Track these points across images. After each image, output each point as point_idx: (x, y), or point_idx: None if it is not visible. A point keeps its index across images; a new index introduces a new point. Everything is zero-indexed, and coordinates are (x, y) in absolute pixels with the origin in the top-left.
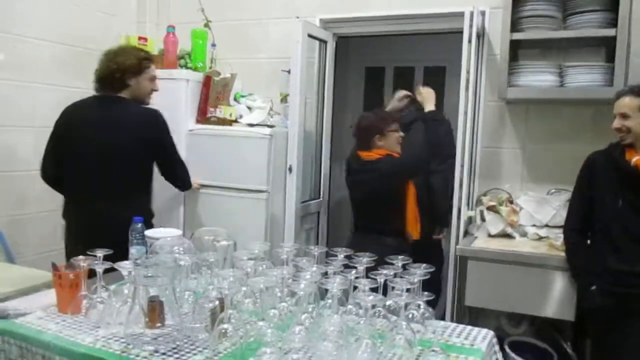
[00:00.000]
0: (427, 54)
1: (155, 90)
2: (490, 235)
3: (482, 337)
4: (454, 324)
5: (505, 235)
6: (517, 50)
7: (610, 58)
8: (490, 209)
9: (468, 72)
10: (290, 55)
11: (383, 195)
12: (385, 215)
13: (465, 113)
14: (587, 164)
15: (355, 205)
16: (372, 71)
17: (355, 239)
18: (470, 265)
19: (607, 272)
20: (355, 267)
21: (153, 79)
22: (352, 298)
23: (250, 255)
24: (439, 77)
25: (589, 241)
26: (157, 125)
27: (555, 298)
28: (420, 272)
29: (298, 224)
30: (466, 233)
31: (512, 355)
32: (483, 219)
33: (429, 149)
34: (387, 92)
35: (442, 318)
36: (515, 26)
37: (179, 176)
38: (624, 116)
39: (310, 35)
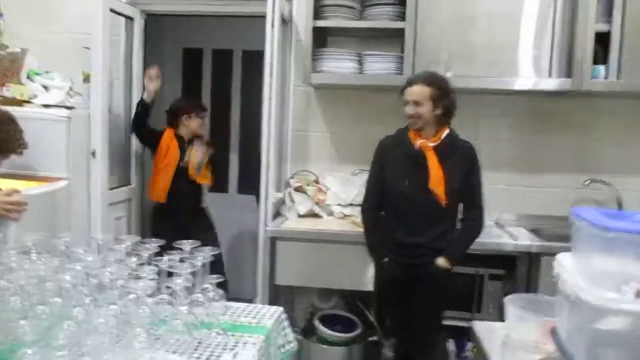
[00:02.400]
0: (246, 37)
1: None
2: (300, 216)
3: (270, 315)
4: (244, 305)
5: (314, 214)
6: (325, 37)
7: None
8: (298, 189)
9: (272, 57)
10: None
11: None
12: None
13: (270, 98)
14: (379, 147)
15: None
16: (190, 53)
17: None
18: (279, 245)
19: (396, 245)
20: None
21: None
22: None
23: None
24: (258, 61)
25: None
26: None
27: (358, 271)
28: (204, 254)
29: (106, 213)
30: (278, 214)
31: (321, 327)
32: (292, 200)
33: None
34: (206, 76)
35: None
36: (319, 14)
37: None
38: (417, 103)
39: (113, 11)
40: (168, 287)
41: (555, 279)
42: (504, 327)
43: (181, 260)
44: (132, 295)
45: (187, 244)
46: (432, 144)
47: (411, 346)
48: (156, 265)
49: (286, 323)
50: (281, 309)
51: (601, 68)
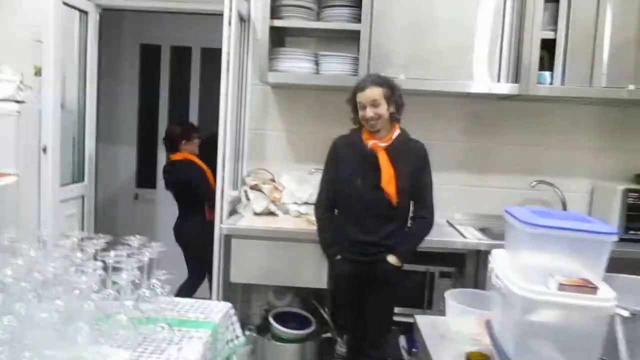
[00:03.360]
0: (205, 35)
1: None
2: (255, 214)
3: (218, 310)
4: (192, 300)
5: (270, 213)
6: (283, 37)
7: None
8: (254, 187)
9: (229, 55)
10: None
11: None
12: None
13: (226, 95)
14: (332, 147)
15: None
16: (148, 49)
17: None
18: (234, 243)
19: (349, 242)
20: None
21: None
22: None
23: None
24: (217, 59)
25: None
26: None
27: (312, 269)
28: (152, 250)
29: (57, 210)
30: (235, 212)
31: (275, 324)
32: (248, 198)
33: None
34: (164, 73)
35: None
36: (276, 13)
37: None
38: (375, 104)
39: (66, 4)
40: (114, 283)
41: (489, 273)
42: (444, 321)
43: (128, 256)
44: (77, 291)
45: (134, 240)
46: (383, 144)
47: (363, 342)
48: (102, 261)
49: (234, 318)
50: (229, 304)
51: (547, 74)
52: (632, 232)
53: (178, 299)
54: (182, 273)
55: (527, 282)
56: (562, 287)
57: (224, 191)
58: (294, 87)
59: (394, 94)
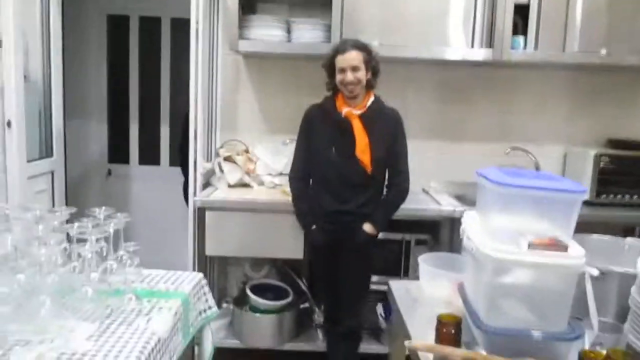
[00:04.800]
0: (174, 4)
1: None
2: (230, 186)
3: (189, 280)
4: (163, 271)
5: (244, 185)
6: (254, 4)
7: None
8: (227, 159)
9: (197, 23)
10: None
11: None
12: None
13: (196, 66)
14: (306, 116)
15: None
16: (116, 20)
17: None
18: (208, 215)
19: (324, 212)
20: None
21: None
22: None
23: None
24: (187, 30)
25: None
26: None
27: (288, 240)
28: (118, 221)
29: (25, 186)
30: (208, 184)
31: (252, 296)
32: (222, 170)
33: None
34: (133, 44)
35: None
36: None
37: None
38: (355, 69)
39: None
40: (79, 255)
41: (461, 235)
42: (418, 285)
43: (93, 227)
44: (38, 265)
45: (100, 211)
46: (358, 112)
47: (339, 311)
48: (67, 233)
49: (207, 289)
50: (201, 275)
51: (520, 39)
52: (603, 195)
53: (148, 270)
54: (158, 247)
55: (498, 243)
56: (532, 246)
57: (197, 163)
58: (266, 55)
59: (371, 60)
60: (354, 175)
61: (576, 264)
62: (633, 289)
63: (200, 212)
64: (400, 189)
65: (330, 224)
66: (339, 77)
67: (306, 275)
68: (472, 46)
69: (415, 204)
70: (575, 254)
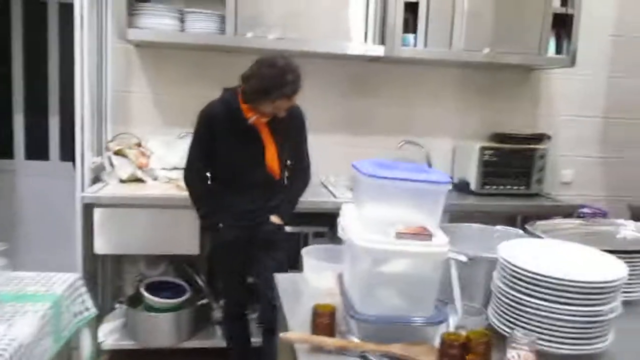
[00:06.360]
0: None
1: None
2: (122, 181)
3: (62, 282)
4: (34, 273)
5: (137, 179)
6: None
7: None
8: (118, 153)
9: (82, 8)
10: None
11: None
12: None
13: (82, 54)
14: (207, 118)
15: None
16: (32, 6)
17: None
18: (97, 212)
19: (231, 211)
20: None
21: None
22: None
23: None
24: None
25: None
26: None
27: (184, 236)
28: None
29: None
30: (98, 180)
31: (147, 295)
32: (112, 165)
33: None
34: (16, 29)
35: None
36: None
37: None
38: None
39: None
40: None
41: (339, 226)
42: (302, 278)
43: None
44: None
45: None
46: (265, 120)
47: (245, 308)
48: None
49: (83, 289)
50: (77, 275)
51: (411, 36)
52: (487, 186)
53: (17, 273)
54: (48, 246)
55: (370, 233)
56: (399, 235)
57: (85, 157)
58: (159, 45)
59: None
60: (263, 181)
61: (441, 251)
62: (494, 273)
63: (89, 209)
64: (303, 176)
65: (238, 221)
66: (272, 108)
67: (204, 271)
68: (366, 41)
69: (312, 197)
70: (440, 242)
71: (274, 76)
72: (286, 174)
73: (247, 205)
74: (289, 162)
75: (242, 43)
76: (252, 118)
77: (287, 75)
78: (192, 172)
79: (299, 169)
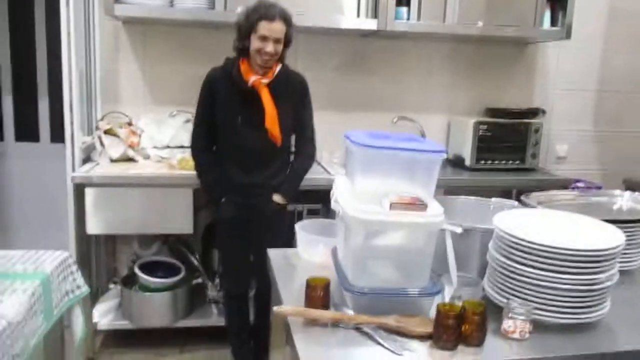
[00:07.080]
0: None
1: None
2: (112, 160)
3: (52, 260)
4: (22, 251)
5: (129, 159)
6: None
7: None
8: (108, 132)
9: None
10: None
11: None
12: None
13: (68, 31)
14: (207, 82)
15: None
16: None
17: None
18: (88, 192)
19: (232, 184)
20: None
21: None
22: None
23: None
24: None
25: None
26: None
27: (177, 215)
28: None
29: None
30: (89, 160)
31: (141, 275)
32: (102, 144)
33: None
34: (39, 23)
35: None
36: None
37: None
38: (278, 41)
39: None
40: None
41: (332, 198)
42: (295, 252)
43: None
44: None
45: None
46: (266, 81)
47: (245, 288)
48: None
49: (74, 268)
50: (67, 253)
51: (404, 10)
52: (482, 161)
53: (6, 251)
54: (42, 228)
55: (363, 204)
56: (393, 205)
57: (75, 137)
58: (147, 21)
59: (290, 33)
60: (262, 146)
61: (435, 221)
62: (490, 244)
63: (80, 189)
64: (308, 155)
65: (239, 196)
66: (257, 44)
67: (198, 250)
68: (359, 16)
69: (306, 174)
70: (434, 212)
71: (251, 8)
72: (291, 145)
73: (246, 178)
74: (294, 136)
75: (231, 18)
76: (251, 79)
77: (263, 3)
78: (196, 140)
79: (302, 140)
